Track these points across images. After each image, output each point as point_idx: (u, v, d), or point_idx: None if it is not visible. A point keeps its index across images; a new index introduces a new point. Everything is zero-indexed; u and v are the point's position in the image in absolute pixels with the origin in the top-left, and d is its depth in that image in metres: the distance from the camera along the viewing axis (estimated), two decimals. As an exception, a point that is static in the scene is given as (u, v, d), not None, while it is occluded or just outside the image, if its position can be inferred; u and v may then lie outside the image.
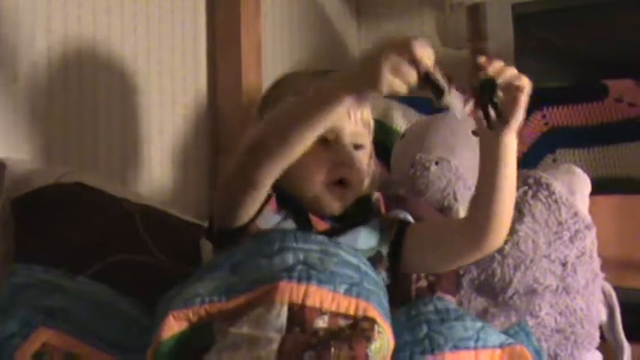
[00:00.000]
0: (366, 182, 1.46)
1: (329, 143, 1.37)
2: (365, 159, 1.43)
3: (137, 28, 1.99)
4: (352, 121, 1.39)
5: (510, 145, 1.29)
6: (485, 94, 1.22)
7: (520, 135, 2.10)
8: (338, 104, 1.16)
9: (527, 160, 2.11)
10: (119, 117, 1.94)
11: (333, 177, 1.37)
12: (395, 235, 1.42)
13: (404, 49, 1.12)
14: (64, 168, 1.66)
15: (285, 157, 1.23)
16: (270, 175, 1.25)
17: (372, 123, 1.46)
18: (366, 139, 1.43)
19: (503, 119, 1.24)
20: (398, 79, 1.12)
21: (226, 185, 1.33)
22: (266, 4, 2.39)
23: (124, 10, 1.95)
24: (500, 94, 1.22)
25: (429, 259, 1.45)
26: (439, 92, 1.16)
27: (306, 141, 1.21)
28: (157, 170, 2.05)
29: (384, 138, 2.20)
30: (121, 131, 1.94)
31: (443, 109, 1.22)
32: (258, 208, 1.33)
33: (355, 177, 1.39)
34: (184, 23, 2.17)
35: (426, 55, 1.13)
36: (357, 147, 1.41)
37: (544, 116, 2.15)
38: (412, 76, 1.13)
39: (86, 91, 1.85)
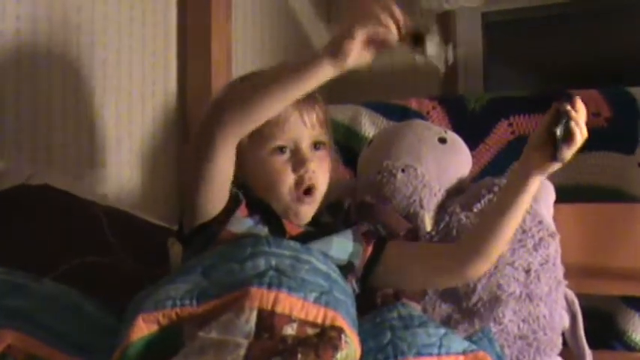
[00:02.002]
0: (329, 179, 1.48)
1: (290, 153, 1.40)
2: (326, 157, 1.46)
3: (108, 29, 1.99)
4: (308, 126, 1.41)
5: (534, 189, 1.37)
6: (560, 123, 1.29)
7: (486, 143, 2.16)
8: (318, 71, 1.21)
9: (494, 168, 2.13)
10: (88, 118, 1.93)
11: (300, 188, 1.40)
12: (373, 252, 1.47)
13: (379, 4, 1.19)
14: (32, 170, 1.65)
15: (252, 118, 1.25)
16: (231, 136, 1.26)
17: (329, 121, 1.49)
18: (325, 137, 1.46)
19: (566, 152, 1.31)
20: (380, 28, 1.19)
21: (191, 156, 1.34)
22: (237, 6, 2.39)
23: (95, 11, 1.95)
24: (572, 126, 1.29)
25: (405, 279, 1.50)
26: (419, 38, 1.22)
27: (278, 105, 1.25)
28: (125, 172, 2.05)
29: (351, 144, 2.22)
30: (90, 132, 1.93)
31: (425, 57, 1.25)
32: (229, 211, 1.35)
33: (320, 180, 1.42)
34: (155, 25, 2.16)
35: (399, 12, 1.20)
36: (317, 146, 1.44)
37: (510, 125, 2.17)
38: (390, 25, 1.19)
39: (55, 92, 1.84)
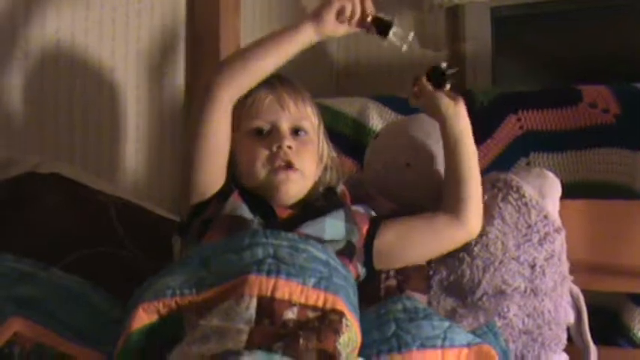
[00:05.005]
0: (316, 168, 1.51)
1: (266, 134, 1.45)
2: (309, 144, 1.49)
3: (115, 21, 1.99)
4: (285, 109, 1.47)
5: (465, 125, 1.60)
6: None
7: (494, 138, 2.16)
8: (300, 32, 1.46)
9: (501, 163, 2.13)
10: (96, 110, 1.94)
11: (273, 163, 1.43)
12: (369, 230, 1.50)
13: None
14: (40, 158, 1.66)
15: (248, 70, 1.42)
16: (228, 89, 1.41)
17: (314, 117, 1.53)
18: (307, 125, 1.50)
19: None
20: (346, 7, 1.47)
21: (190, 125, 1.48)
22: (246, 2, 2.40)
23: (104, 4, 1.95)
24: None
25: (408, 250, 1.55)
26: (386, 27, 1.52)
27: (271, 61, 1.44)
28: (131, 164, 2.05)
29: (359, 137, 2.22)
30: (98, 125, 1.94)
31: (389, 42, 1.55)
32: (223, 197, 1.39)
33: (297, 159, 1.45)
34: (163, 18, 2.17)
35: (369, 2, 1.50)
36: (297, 132, 1.48)
37: (519, 120, 2.17)
38: (357, 9, 1.48)
39: (63, 83, 1.85)
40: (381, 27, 1.53)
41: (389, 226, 1.53)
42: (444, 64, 1.61)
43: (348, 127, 2.26)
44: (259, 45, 1.46)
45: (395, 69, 2.97)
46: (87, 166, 1.89)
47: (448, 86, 1.62)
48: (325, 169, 1.54)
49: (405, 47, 1.55)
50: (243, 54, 1.46)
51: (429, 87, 1.62)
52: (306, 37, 1.47)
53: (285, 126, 1.46)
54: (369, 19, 1.51)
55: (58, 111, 1.83)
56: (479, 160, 1.84)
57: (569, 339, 1.72)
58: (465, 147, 1.58)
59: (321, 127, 1.55)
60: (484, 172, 1.88)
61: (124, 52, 2.03)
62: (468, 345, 1.36)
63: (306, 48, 1.49)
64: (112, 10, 1.98)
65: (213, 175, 1.41)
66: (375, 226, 1.52)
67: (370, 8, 1.51)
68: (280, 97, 1.47)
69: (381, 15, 1.53)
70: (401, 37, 1.54)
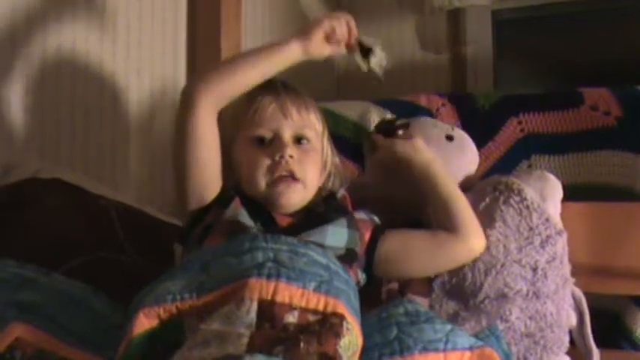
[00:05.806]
0: (319, 176, 1.51)
1: (268, 143, 1.45)
2: (312, 152, 1.49)
3: (117, 26, 2.00)
4: (287, 118, 1.46)
5: (429, 156, 1.58)
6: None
7: (496, 141, 2.17)
8: (287, 48, 1.47)
9: (503, 166, 2.13)
10: (97, 114, 1.94)
11: (274, 173, 1.43)
12: (370, 239, 1.49)
13: (340, 16, 1.53)
14: (42, 163, 1.66)
15: (229, 79, 1.42)
16: (211, 97, 1.40)
17: (318, 124, 1.53)
18: (310, 134, 1.50)
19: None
20: (336, 28, 1.51)
21: (175, 136, 1.43)
22: (246, 5, 2.40)
23: (105, 9, 1.96)
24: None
25: (408, 264, 1.55)
26: (367, 51, 1.57)
27: (253, 73, 1.44)
28: (134, 168, 2.05)
29: (360, 140, 2.22)
30: (99, 128, 1.94)
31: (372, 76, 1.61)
32: (223, 204, 1.39)
33: (300, 169, 1.45)
34: (165, 23, 2.17)
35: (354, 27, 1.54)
36: (300, 141, 1.48)
37: (520, 122, 2.18)
38: (345, 31, 1.53)
39: (64, 87, 1.85)
40: (364, 50, 1.58)
41: (392, 236, 1.52)
42: (389, 116, 1.71)
43: (349, 130, 2.27)
44: (247, 57, 1.47)
45: (396, 73, 2.97)
46: (88, 170, 1.89)
47: (400, 132, 1.63)
48: (329, 176, 1.54)
49: (380, 74, 1.61)
50: (230, 64, 1.46)
51: (381, 138, 1.63)
52: (292, 54, 1.48)
53: (287, 135, 1.45)
54: (355, 41, 1.56)
55: (59, 115, 1.83)
56: (481, 162, 1.86)
57: (572, 342, 1.73)
58: (436, 173, 1.57)
59: (326, 133, 1.55)
60: (485, 175, 1.89)
61: (125, 57, 2.03)
62: (471, 348, 1.36)
63: (291, 65, 1.48)
64: (113, 14, 1.98)
65: (208, 182, 1.41)
66: (377, 233, 1.51)
67: (355, 30, 1.55)
68: (283, 104, 1.46)
69: (364, 38, 1.57)
70: (379, 64, 1.59)
